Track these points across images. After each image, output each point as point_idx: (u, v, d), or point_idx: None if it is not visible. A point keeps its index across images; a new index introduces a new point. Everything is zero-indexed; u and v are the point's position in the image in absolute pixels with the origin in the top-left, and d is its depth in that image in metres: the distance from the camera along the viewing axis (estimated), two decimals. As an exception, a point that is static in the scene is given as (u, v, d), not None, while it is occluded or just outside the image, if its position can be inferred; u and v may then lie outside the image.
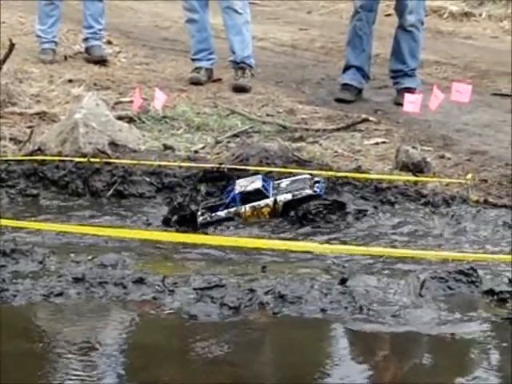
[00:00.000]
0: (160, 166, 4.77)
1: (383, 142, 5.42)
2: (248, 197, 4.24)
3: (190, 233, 4.05)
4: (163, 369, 2.99)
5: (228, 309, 3.31)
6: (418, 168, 4.82)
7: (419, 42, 6.29)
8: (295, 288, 3.40)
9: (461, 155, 5.20)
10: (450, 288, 3.43)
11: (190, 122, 5.67)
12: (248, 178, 4.39)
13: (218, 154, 5.14)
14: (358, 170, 4.79)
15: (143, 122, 5.58)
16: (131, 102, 5.63)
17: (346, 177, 4.61)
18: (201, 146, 5.30)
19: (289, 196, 4.24)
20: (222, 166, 4.68)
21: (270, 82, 6.73)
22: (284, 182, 4.36)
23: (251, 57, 6.48)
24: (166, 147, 5.21)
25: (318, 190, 4.26)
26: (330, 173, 4.66)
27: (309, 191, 4.22)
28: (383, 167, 4.94)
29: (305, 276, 3.53)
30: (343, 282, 3.44)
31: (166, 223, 4.18)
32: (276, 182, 4.39)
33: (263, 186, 4.28)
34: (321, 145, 5.32)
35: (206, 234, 4.09)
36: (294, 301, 3.35)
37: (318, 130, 5.58)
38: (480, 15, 9.06)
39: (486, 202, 4.44)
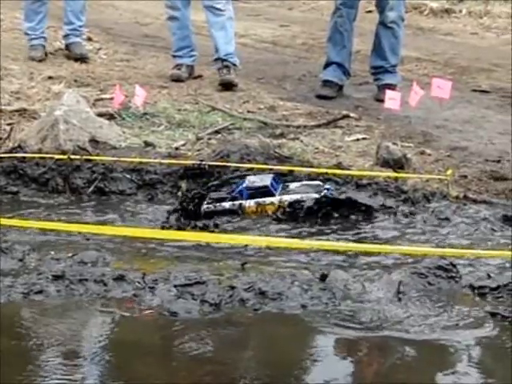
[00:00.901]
0: (141, 162, 4.76)
1: (364, 139, 5.43)
2: (255, 193, 4.28)
3: (192, 224, 4.06)
4: (144, 366, 2.99)
5: (209, 305, 3.31)
6: (398, 164, 4.84)
7: (400, 39, 6.31)
8: (276, 284, 3.40)
9: (441, 151, 5.22)
10: (430, 283, 3.44)
11: (170, 119, 5.66)
12: (259, 176, 4.43)
13: (198, 150, 5.14)
14: (338, 166, 4.80)
15: (124, 119, 5.57)
16: (112, 98, 5.62)
17: (326, 173, 4.62)
18: (182, 142, 5.29)
19: (294, 197, 4.24)
20: (203, 162, 4.68)
21: (251, 78, 6.73)
22: (293, 185, 4.38)
23: (235, 55, 6.48)
24: (146, 144, 5.20)
25: (327, 192, 4.26)
26: (311, 169, 4.67)
27: (315, 195, 4.22)
28: (364, 163, 4.95)
29: (285, 272, 3.53)
30: (323, 278, 3.44)
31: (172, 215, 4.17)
32: (286, 183, 4.41)
33: (272, 184, 4.31)
34: (302, 141, 5.32)
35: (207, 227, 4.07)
36: (274, 297, 3.35)
37: (298, 127, 5.59)
38: (460, 12, 9.11)
39: (465, 197, 4.46)
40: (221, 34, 6.43)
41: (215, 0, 6.39)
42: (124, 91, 5.71)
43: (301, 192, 4.30)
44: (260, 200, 4.28)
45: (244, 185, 4.34)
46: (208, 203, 4.30)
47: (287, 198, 4.26)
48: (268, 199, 4.27)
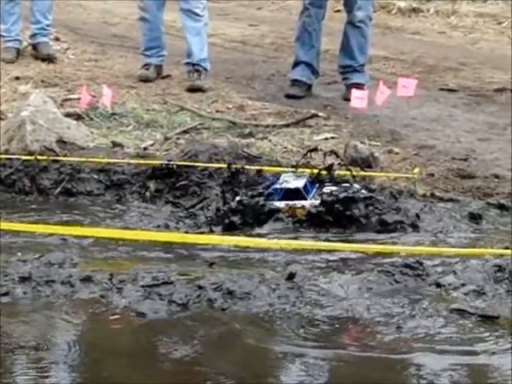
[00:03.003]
0: (108, 163, 4.74)
1: (332, 138, 5.45)
2: (287, 194, 4.19)
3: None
4: (112, 368, 2.99)
5: (176, 305, 3.30)
6: (366, 163, 4.87)
7: (368, 38, 6.34)
8: (244, 284, 3.40)
9: (408, 150, 5.25)
10: (397, 281, 3.46)
11: (139, 119, 5.66)
12: (294, 175, 4.35)
13: (167, 150, 5.13)
14: (306, 165, 4.80)
15: (92, 119, 5.55)
16: (79, 99, 5.59)
17: (294, 172, 4.61)
18: (150, 142, 5.28)
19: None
20: (171, 162, 4.67)
21: (219, 78, 6.73)
22: (328, 188, 4.26)
23: (207, 60, 6.48)
24: (114, 144, 5.18)
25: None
26: (279, 169, 4.67)
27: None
28: (332, 162, 4.96)
29: (253, 272, 3.54)
30: (291, 277, 3.45)
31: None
32: (321, 185, 4.31)
33: (305, 186, 4.22)
34: (270, 141, 5.34)
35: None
36: (242, 297, 3.35)
37: (267, 126, 5.60)
38: (428, 11, 9.17)
39: (432, 195, 4.49)
40: (196, 40, 6.43)
41: (194, 4, 6.38)
42: (92, 91, 5.69)
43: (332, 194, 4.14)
44: (291, 202, 4.16)
45: (277, 185, 4.25)
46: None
47: (318, 202, 4.13)
48: (299, 202, 4.15)
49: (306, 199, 4.19)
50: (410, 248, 3.75)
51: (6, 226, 3.89)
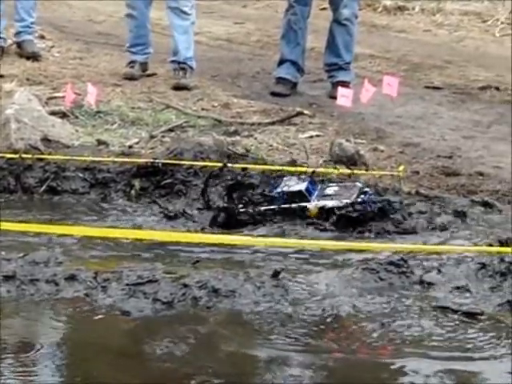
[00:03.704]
0: (93, 161, 4.73)
1: (318, 136, 5.46)
2: (290, 197, 4.18)
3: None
4: (96, 366, 2.98)
5: (161, 304, 3.30)
6: (351, 161, 4.87)
7: (353, 36, 6.34)
8: (228, 282, 3.40)
9: (394, 147, 5.27)
10: (381, 279, 3.47)
11: (124, 117, 5.64)
12: (296, 178, 4.34)
13: (152, 148, 5.12)
14: (292, 163, 4.82)
15: (77, 118, 5.53)
16: (64, 97, 5.57)
17: (280, 170, 4.63)
18: (135, 140, 5.27)
19: (329, 203, 4.13)
20: (156, 160, 4.66)
21: (205, 76, 6.72)
22: (331, 188, 4.26)
23: (193, 59, 6.47)
24: (99, 142, 5.17)
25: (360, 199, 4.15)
26: (265, 166, 4.67)
27: (349, 201, 4.11)
28: (317, 160, 4.98)
29: (238, 270, 3.54)
30: (276, 275, 3.46)
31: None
32: (323, 186, 4.30)
33: (307, 189, 4.20)
34: (256, 138, 5.34)
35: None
36: (227, 295, 3.35)
37: (253, 124, 5.59)
38: (413, 9, 9.18)
39: (417, 193, 4.50)
40: (183, 38, 6.42)
41: (182, 3, 6.37)
42: (77, 89, 5.67)
43: (337, 196, 4.15)
44: (294, 205, 4.14)
45: (279, 189, 4.24)
46: (244, 206, 4.18)
47: (322, 204, 4.12)
48: (303, 205, 4.14)
49: (309, 201, 4.17)
50: (399, 246, 3.75)
51: (5, 225, 3.86)
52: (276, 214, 4.15)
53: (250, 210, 4.16)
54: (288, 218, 4.13)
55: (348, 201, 4.12)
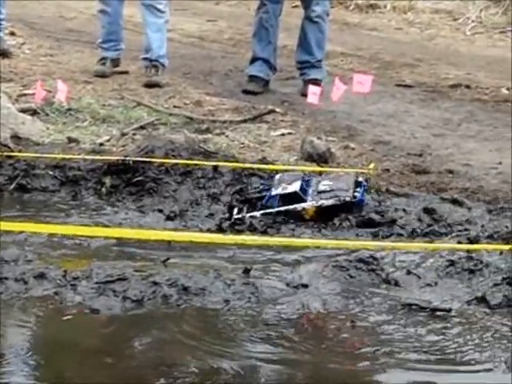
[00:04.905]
0: (64, 158, 4.70)
1: (289, 133, 5.47)
2: (285, 199, 4.13)
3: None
4: (65, 365, 2.97)
5: (131, 302, 3.29)
6: (322, 158, 4.89)
7: (325, 34, 6.36)
8: (199, 280, 3.40)
9: (365, 145, 5.29)
10: (351, 276, 3.49)
11: (95, 114, 5.61)
12: (289, 175, 4.29)
13: (123, 146, 5.10)
14: (263, 161, 4.82)
15: (47, 115, 5.50)
16: (35, 94, 5.54)
17: (251, 168, 4.63)
18: (106, 138, 5.25)
19: (327, 202, 4.10)
20: (127, 158, 4.65)
21: (177, 73, 6.71)
22: (324, 183, 4.21)
23: (166, 57, 6.46)
24: (70, 140, 5.15)
25: (358, 194, 4.15)
26: (236, 164, 4.68)
27: (348, 198, 4.10)
28: (289, 158, 4.99)
29: (208, 267, 3.54)
30: (246, 272, 3.46)
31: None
32: (317, 179, 4.25)
33: (301, 188, 4.15)
34: (227, 136, 5.34)
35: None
36: (197, 292, 3.35)
37: (224, 122, 5.59)
38: (385, 7, 9.22)
39: (387, 191, 4.52)
40: (157, 36, 6.40)
41: (157, 0, 6.35)
42: (47, 87, 5.64)
43: (332, 191, 4.12)
44: (291, 207, 4.11)
45: (273, 192, 4.17)
46: (239, 211, 4.14)
47: (319, 203, 4.10)
48: (299, 206, 4.10)
49: (305, 201, 4.13)
50: (375, 243, 3.76)
51: (6, 225, 3.82)
52: (273, 219, 4.09)
53: (246, 216, 4.09)
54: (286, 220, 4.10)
55: (348, 199, 4.10)
